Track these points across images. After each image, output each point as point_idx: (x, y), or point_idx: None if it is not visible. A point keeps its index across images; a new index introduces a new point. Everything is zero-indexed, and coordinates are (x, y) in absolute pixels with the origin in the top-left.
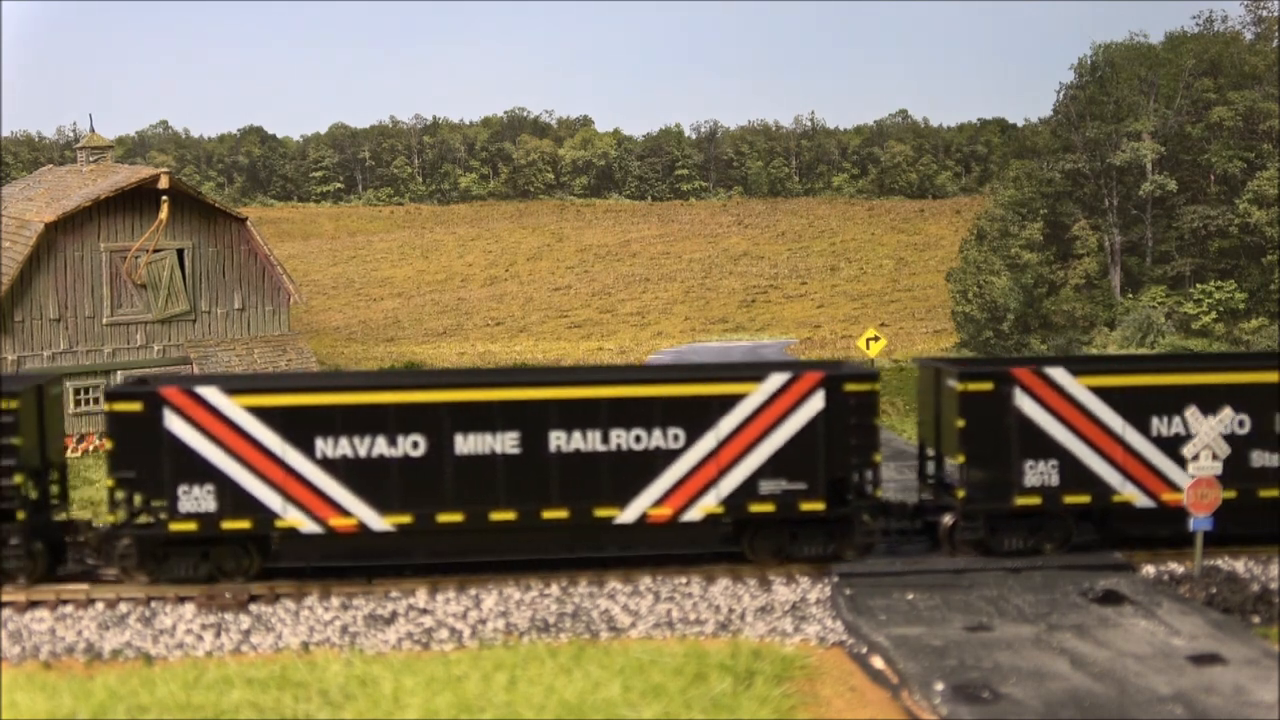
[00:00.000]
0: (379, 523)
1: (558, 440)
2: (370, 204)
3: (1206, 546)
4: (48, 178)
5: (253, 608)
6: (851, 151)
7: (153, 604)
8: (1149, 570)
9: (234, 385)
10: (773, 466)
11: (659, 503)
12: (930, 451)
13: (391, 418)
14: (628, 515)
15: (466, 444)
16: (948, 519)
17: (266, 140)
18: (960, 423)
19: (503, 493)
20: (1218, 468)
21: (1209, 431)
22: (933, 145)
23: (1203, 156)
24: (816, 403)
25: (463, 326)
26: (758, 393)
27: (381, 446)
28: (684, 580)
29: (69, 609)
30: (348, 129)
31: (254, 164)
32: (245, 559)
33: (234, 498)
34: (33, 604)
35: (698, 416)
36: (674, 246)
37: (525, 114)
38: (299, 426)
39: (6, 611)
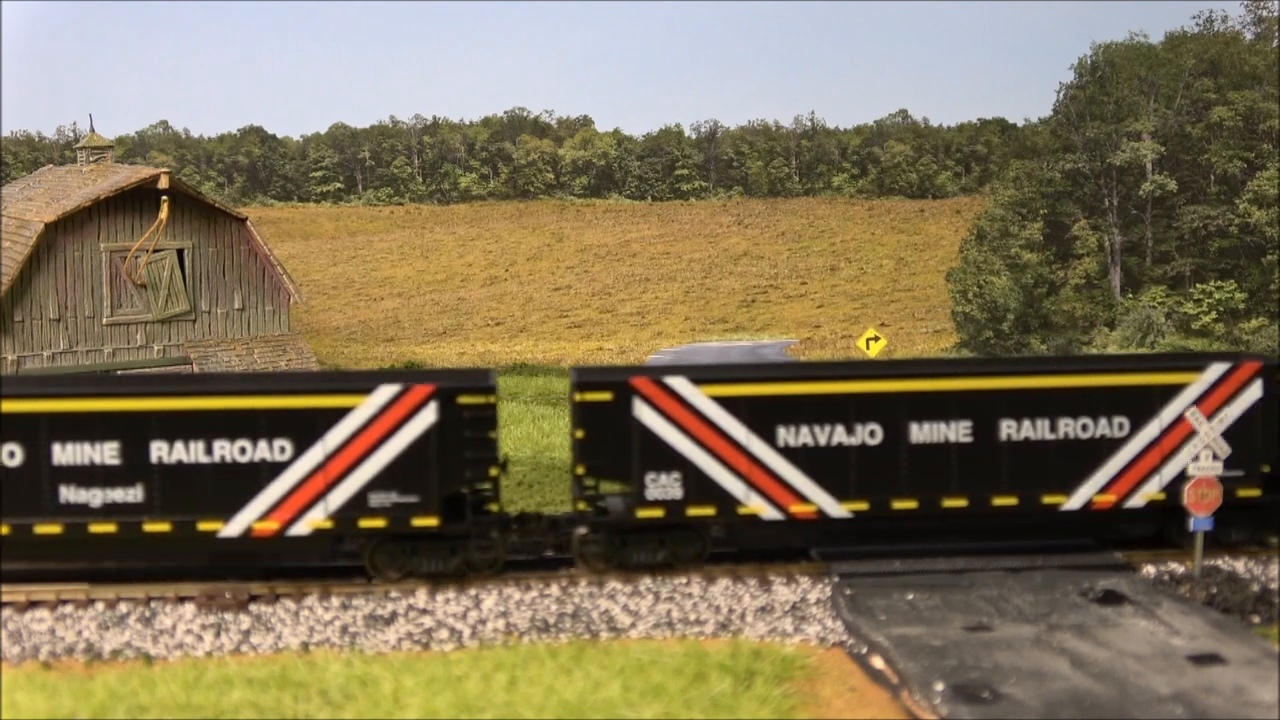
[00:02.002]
0: (837, 509)
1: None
2: (370, 204)
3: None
4: (48, 178)
5: (253, 608)
6: (851, 151)
7: (152, 604)
8: (1149, 570)
9: (700, 375)
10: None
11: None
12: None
13: (851, 407)
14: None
15: (922, 433)
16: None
17: (266, 140)
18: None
19: (955, 480)
20: (1218, 468)
21: (1209, 432)
22: (933, 145)
23: (1203, 156)
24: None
25: (463, 326)
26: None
27: (840, 435)
28: (684, 580)
29: (69, 609)
30: (348, 129)
31: (254, 164)
32: (698, 545)
33: (699, 485)
34: (32, 604)
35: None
36: (674, 246)
37: (525, 114)
38: (762, 416)
39: (6, 611)
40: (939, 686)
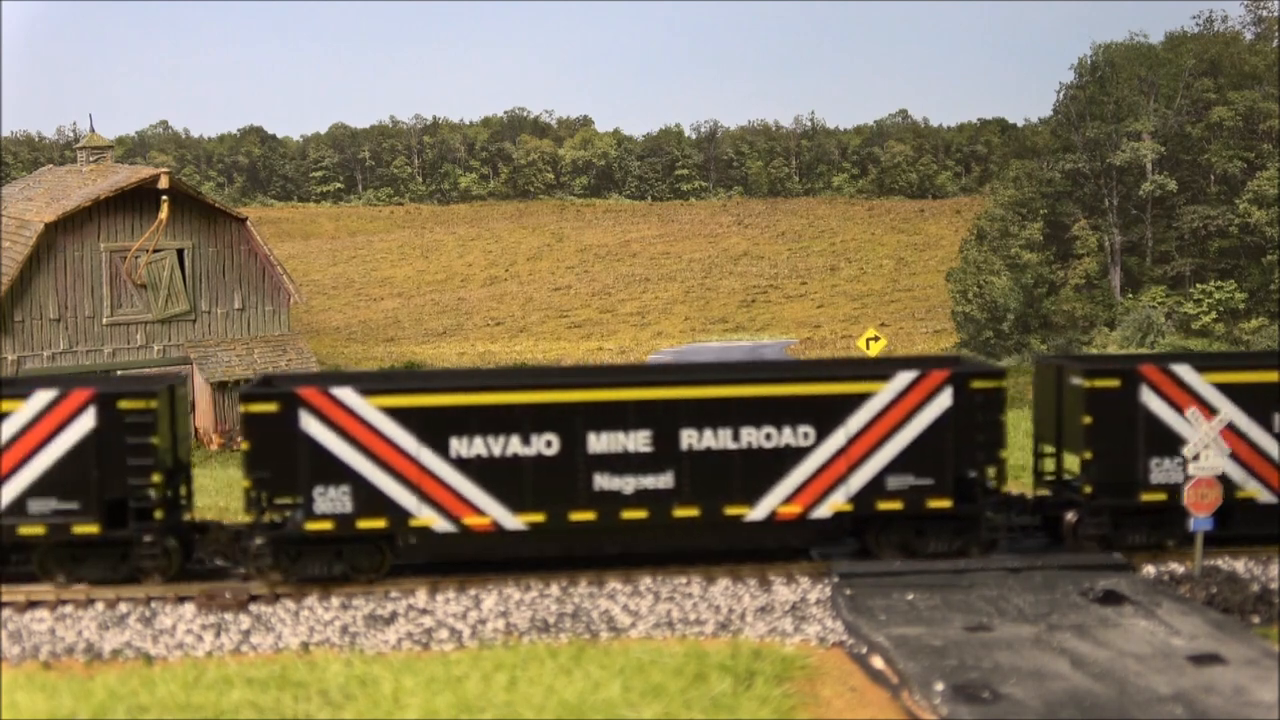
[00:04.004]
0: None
1: None
2: (370, 204)
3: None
4: (48, 178)
5: (253, 608)
6: (851, 151)
7: (152, 604)
8: (1149, 570)
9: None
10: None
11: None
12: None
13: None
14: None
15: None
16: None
17: (266, 140)
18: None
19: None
20: (1218, 468)
21: (1209, 431)
22: (933, 145)
23: (1203, 156)
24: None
25: (463, 326)
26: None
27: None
28: (684, 580)
29: (69, 609)
30: (348, 129)
31: (254, 164)
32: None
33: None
34: (32, 604)
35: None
36: (674, 246)
37: (525, 114)
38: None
39: (6, 611)
40: (939, 686)
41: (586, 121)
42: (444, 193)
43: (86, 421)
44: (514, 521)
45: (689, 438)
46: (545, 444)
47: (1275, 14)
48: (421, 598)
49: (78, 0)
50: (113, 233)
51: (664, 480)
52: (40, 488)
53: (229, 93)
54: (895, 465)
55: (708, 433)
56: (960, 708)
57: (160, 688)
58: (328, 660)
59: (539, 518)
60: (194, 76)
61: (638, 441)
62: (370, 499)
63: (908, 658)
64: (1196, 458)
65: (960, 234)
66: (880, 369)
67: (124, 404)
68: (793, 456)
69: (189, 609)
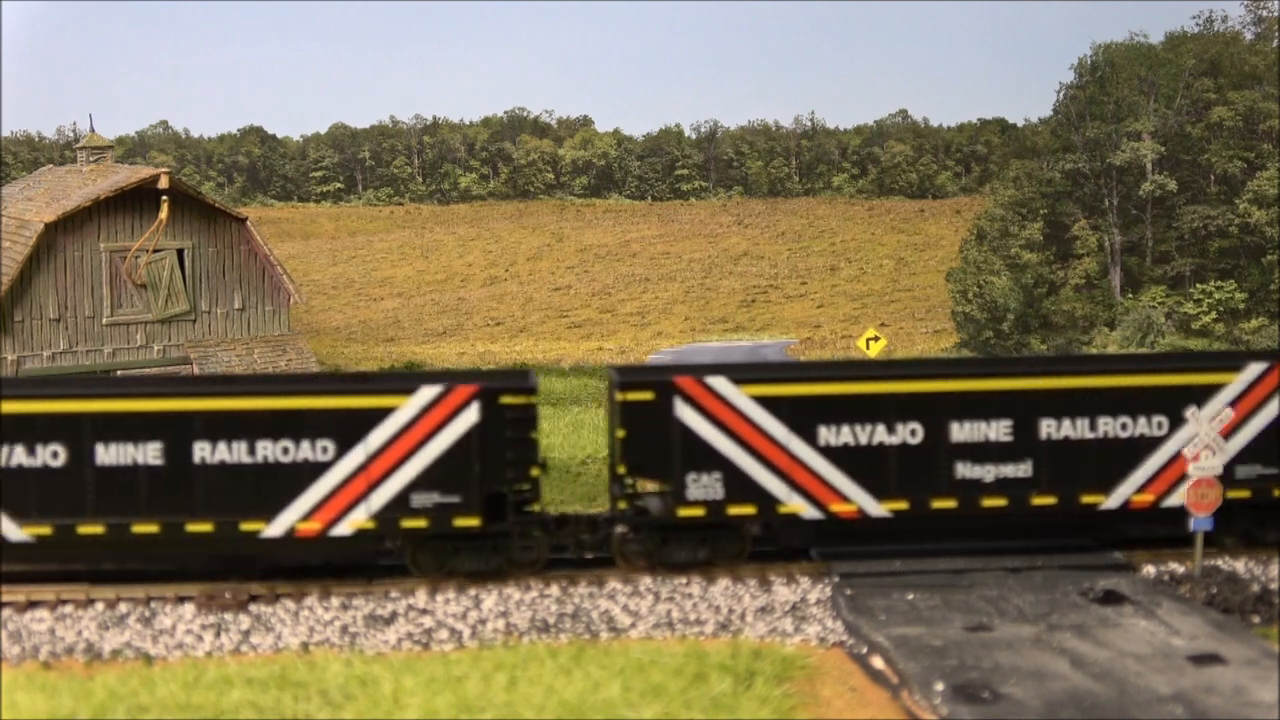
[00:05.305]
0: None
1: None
2: (370, 204)
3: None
4: (48, 178)
5: (252, 608)
6: (851, 151)
7: (152, 604)
8: (1149, 570)
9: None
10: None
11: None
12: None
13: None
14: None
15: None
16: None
17: (266, 140)
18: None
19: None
20: (1218, 468)
21: (1209, 431)
22: (933, 145)
23: (1203, 156)
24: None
25: (463, 326)
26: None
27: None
28: (684, 580)
29: (69, 609)
30: (348, 129)
31: (254, 164)
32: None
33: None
34: (32, 604)
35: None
36: (674, 246)
37: (525, 114)
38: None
39: (6, 611)
40: (939, 686)
41: (586, 121)
42: (444, 193)
43: (470, 416)
44: (878, 509)
45: (1048, 427)
46: (910, 432)
47: (1275, 14)
48: (421, 598)
49: (78, 0)
50: (113, 233)
51: (1023, 469)
52: (424, 481)
53: (229, 93)
54: None
55: (1065, 422)
56: (960, 708)
57: (160, 688)
58: (328, 660)
59: (902, 505)
60: (194, 76)
61: (998, 431)
62: (741, 486)
63: (908, 658)
64: (1196, 459)
65: (960, 234)
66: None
67: (506, 399)
68: (1146, 446)
69: (189, 609)
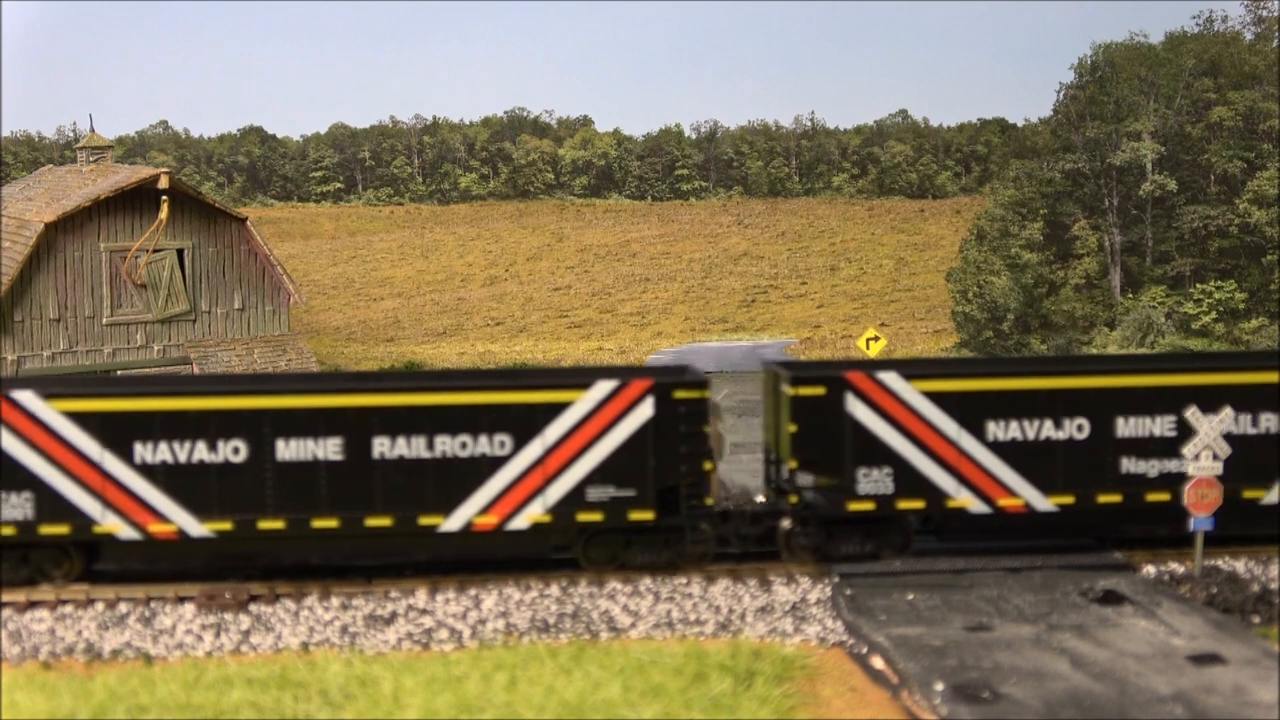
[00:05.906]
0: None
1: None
2: (370, 204)
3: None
4: (48, 178)
5: (252, 608)
6: (851, 151)
7: (152, 604)
8: (1149, 570)
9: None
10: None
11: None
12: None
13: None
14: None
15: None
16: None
17: (266, 140)
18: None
19: None
20: (1218, 468)
21: (1210, 431)
22: (933, 145)
23: (1203, 156)
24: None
25: (463, 326)
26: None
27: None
28: (684, 580)
29: (69, 609)
30: (348, 129)
31: (254, 164)
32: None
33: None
34: (32, 604)
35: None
36: (674, 246)
37: (525, 114)
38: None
39: (6, 611)
40: (939, 686)
41: (586, 121)
42: (444, 193)
43: (645, 410)
44: (1045, 503)
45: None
46: (1076, 428)
47: (1275, 14)
48: (421, 598)
49: (78, 0)
50: (113, 233)
51: (1183, 464)
52: (599, 475)
53: (229, 93)
54: None
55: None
56: (960, 708)
57: (160, 688)
58: (328, 660)
59: (1068, 499)
60: (194, 76)
61: (1163, 426)
62: (911, 480)
63: (908, 658)
64: (1196, 459)
65: (960, 234)
66: None
67: (680, 393)
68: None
69: (189, 609)
